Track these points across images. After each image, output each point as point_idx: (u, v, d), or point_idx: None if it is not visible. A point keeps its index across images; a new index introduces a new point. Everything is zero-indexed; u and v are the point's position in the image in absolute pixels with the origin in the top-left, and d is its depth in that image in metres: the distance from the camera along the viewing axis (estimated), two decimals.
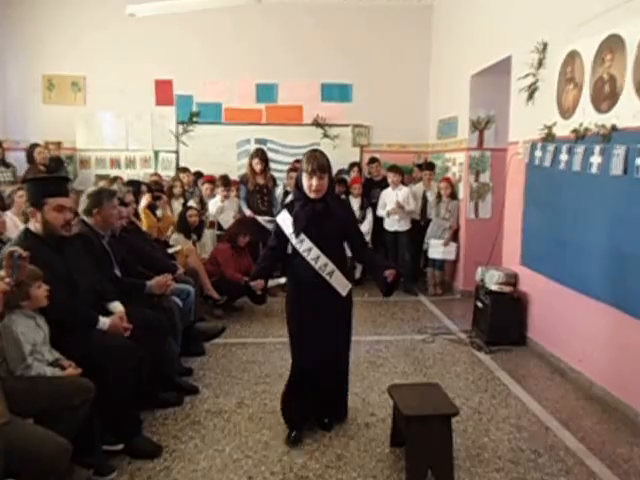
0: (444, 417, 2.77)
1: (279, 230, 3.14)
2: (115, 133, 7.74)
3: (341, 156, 7.56)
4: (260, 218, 6.54)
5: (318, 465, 2.90)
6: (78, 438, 2.50)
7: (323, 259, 3.01)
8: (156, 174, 7.36)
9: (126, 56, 7.45)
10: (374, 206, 6.91)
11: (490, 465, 2.93)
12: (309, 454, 2.99)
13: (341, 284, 3.08)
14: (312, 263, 3.01)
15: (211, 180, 6.87)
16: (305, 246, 3.02)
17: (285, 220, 3.10)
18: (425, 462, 2.74)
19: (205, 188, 6.79)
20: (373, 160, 7.42)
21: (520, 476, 2.83)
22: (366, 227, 6.74)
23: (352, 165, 7.40)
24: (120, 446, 2.97)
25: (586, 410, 3.62)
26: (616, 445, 3.15)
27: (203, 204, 6.51)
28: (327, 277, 3.02)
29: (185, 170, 7.14)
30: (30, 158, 6.67)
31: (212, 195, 6.74)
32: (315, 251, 3.00)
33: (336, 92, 7.82)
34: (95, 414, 2.70)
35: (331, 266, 3.02)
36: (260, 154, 6.70)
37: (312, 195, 3.00)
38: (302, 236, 3.02)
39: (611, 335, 3.64)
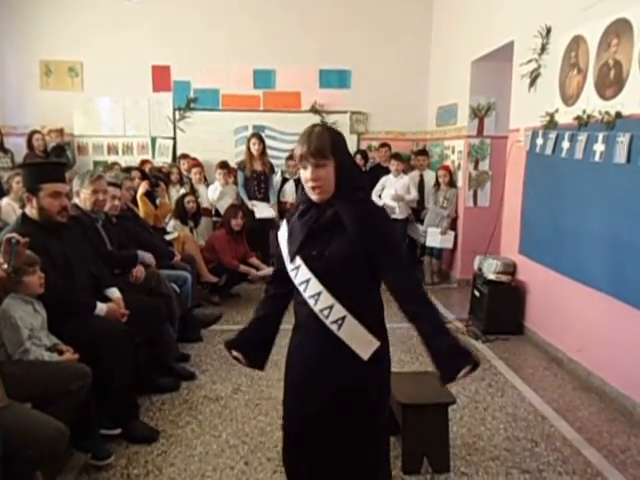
0: (440, 406, 2.77)
1: (279, 252, 2.02)
2: (112, 119, 7.66)
3: None
4: (257, 206, 6.50)
5: None
6: (75, 423, 2.50)
7: (327, 298, 1.84)
8: (146, 161, 7.30)
9: (123, 41, 7.35)
10: None
11: (486, 454, 2.93)
12: None
13: (359, 340, 1.89)
14: (310, 303, 1.87)
15: (197, 164, 6.84)
16: (301, 276, 1.89)
17: (283, 237, 1.99)
18: (421, 450, 2.75)
19: (194, 173, 6.72)
20: (383, 145, 7.34)
21: (516, 465, 2.83)
22: None
23: (356, 153, 7.37)
24: (118, 430, 2.98)
25: (583, 400, 3.62)
26: (613, 435, 3.16)
27: (194, 190, 6.45)
28: (333, 328, 1.85)
29: (185, 156, 7.12)
30: (30, 144, 6.63)
31: (201, 180, 6.72)
32: (314, 284, 1.86)
33: (334, 78, 7.74)
34: (92, 399, 2.69)
35: (340, 310, 1.84)
36: (257, 136, 6.67)
37: (313, 196, 1.87)
38: (297, 261, 1.89)
39: (610, 325, 3.63)
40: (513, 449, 2.98)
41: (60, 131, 7.07)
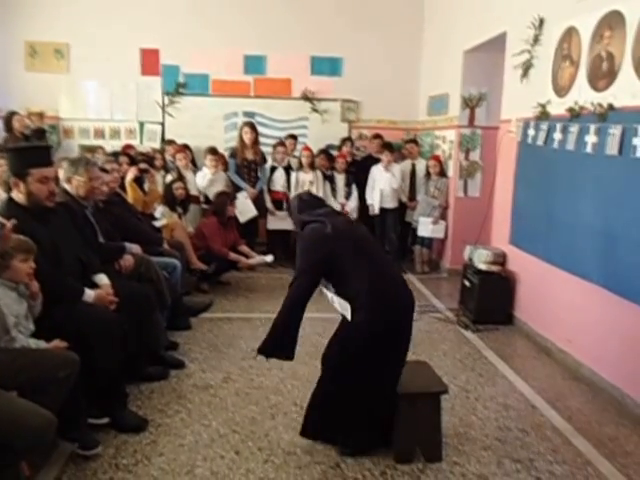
0: (433, 395, 2.76)
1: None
2: (99, 103, 7.54)
3: (329, 131, 7.54)
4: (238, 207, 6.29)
5: (305, 441, 2.87)
6: (63, 412, 2.45)
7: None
8: (130, 145, 7.18)
9: (111, 23, 7.21)
10: None
11: (477, 443, 2.94)
12: (296, 430, 2.94)
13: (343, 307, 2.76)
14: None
15: (181, 150, 6.61)
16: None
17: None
18: (413, 439, 2.75)
19: (179, 158, 6.48)
20: (376, 137, 7.29)
21: (507, 454, 2.84)
22: (352, 204, 6.72)
23: (344, 140, 7.33)
24: (105, 420, 2.93)
25: (573, 390, 3.64)
26: (602, 425, 3.18)
27: (181, 177, 6.32)
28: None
29: (172, 142, 7.01)
30: (8, 126, 6.47)
31: (187, 165, 6.54)
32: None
33: (326, 65, 7.67)
34: (80, 387, 2.64)
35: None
36: (250, 124, 6.56)
37: None
38: None
39: (600, 316, 3.65)
40: (504, 438, 2.99)
41: (40, 115, 6.93)
